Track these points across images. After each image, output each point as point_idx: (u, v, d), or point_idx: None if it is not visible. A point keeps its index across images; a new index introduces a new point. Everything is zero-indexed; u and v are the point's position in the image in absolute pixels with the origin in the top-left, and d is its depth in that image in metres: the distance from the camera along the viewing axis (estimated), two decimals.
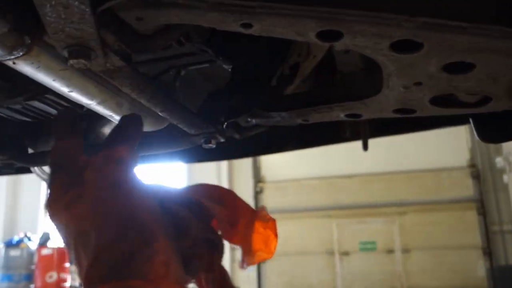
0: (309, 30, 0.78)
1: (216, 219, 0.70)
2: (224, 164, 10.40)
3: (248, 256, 0.69)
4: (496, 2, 0.76)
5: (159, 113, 1.12)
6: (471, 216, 9.14)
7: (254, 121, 1.33)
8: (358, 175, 9.96)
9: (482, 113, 1.55)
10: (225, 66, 1.37)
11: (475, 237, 9.07)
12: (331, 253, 9.73)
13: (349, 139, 2.22)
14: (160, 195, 0.63)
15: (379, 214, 9.64)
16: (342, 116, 1.19)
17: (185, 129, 1.24)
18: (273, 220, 0.71)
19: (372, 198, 9.72)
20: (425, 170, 9.51)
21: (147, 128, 1.24)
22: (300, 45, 1.28)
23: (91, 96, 1.01)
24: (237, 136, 1.42)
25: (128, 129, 0.66)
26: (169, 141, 1.36)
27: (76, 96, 0.98)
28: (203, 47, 1.21)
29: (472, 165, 9.37)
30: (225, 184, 10.43)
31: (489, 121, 1.48)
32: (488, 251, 8.91)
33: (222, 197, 0.69)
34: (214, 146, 1.37)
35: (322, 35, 0.79)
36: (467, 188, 9.29)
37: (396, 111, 1.10)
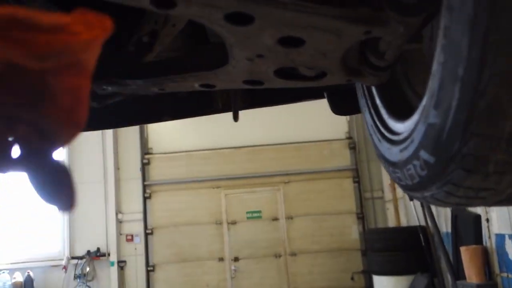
0: None
1: None
2: (109, 134, 9.98)
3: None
4: None
5: None
6: (348, 184, 9.90)
7: (110, 88, 1.29)
8: (246, 146, 10.20)
9: (335, 88, 1.68)
10: None
11: (351, 204, 9.86)
12: (219, 223, 9.92)
13: (221, 110, 2.25)
14: None
15: (266, 184, 10.02)
16: (196, 86, 1.21)
17: None
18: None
19: (259, 169, 10.05)
20: (308, 141, 10.04)
21: None
22: (155, 13, 1.26)
23: None
24: (94, 104, 1.37)
25: None
26: None
27: None
28: (48, 5, 1.14)
29: (350, 137, 10.10)
30: (110, 155, 10.05)
31: (339, 96, 1.60)
32: (361, 216, 9.75)
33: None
34: None
35: (157, 2, 0.78)
36: (345, 159, 10.01)
37: (246, 82, 1.14)
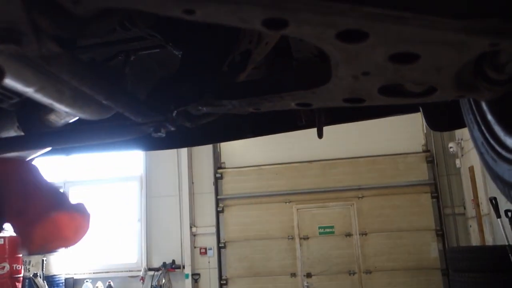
0: (253, 18, 0.76)
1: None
2: (184, 149, 10.29)
3: (26, 244, 0.66)
4: None
5: (103, 101, 1.07)
6: (426, 199, 9.45)
7: (205, 109, 1.30)
8: (318, 160, 10.08)
9: (431, 103, 1.59)
10: (176, 52, 1.33)
11: (429, 220, 9.40)
12: (291, 237, 9.84)
13: (305, 126, 2.23)
14: None
15: (338, 199, 9.82)
16: (293, 105, 1.18)
17: (132, 117, 1.20)
18: (84, 214, 0.69)
19: (331, 183, 9.88)
20: (382, 155, 9.74)
21: (91, 116, 1.19)
22: (250, 31, 1.26)
23: (27, 82, 0.95)
24: (188, 124, 1.39)
25: None
26: (117, 130, 1.31)
27: (10, 82, 0.92)
28: (151, 32, 1.17)
29: (427, 150, 9.66)
30: (185, 170, 10.34)
31: (437, 110, 1.51)
32: (441, 233, 9.25)
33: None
34: (164, 135, 1.33)
35: (268, 23, 0.77)
36: (422, 172, 9.58)
37: (346, 100, 1.10)
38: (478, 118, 1.17)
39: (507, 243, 6.61)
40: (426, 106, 1.56)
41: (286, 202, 10.03)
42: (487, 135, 1.10)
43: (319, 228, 9.82)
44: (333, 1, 0.72)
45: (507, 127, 1.04)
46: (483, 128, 1.14)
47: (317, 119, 2.08)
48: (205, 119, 1.40)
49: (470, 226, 8.93)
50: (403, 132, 9.44)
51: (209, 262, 10.08)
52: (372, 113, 1.90)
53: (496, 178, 1.03)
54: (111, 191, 10.66)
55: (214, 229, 10.15)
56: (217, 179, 10.34)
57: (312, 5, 0.72)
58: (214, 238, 10.12)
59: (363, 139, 9.65)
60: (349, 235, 9.65)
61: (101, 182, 10.68)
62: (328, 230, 9.78)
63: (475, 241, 8.52)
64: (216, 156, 10.49)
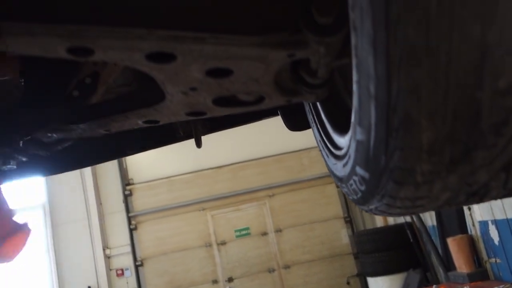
0: (56, 47, 0.76)
1: None
2: (88, 170, 9.86)
3: None
4: (237, 13, 0.82)
5: None
6: (331, 190, 9.93)
7: (55, 135, 1.27)
8: (228, 165, 10.18)
9: (287, 106, 1.69)
10: (19, 80, 1.28)
11: (337, 209, 9.89)
12: (209, 245, 9.83)
13: (184, 138, 2.25)
14: None
15: (251, 200, 9.99)
16: (140, 123, 1.20)
17: None
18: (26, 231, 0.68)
19: (243, 186, 10.03)
20: (288, 152, 10.07)
21: None
22: None
23: None
24: (42, 152, 1.35)
25: None
26: None
27: None
28: None
29: None
30: (91, 191, 9.92)
31: (291, 113, 1.61)
32: (349, 219, 9.78)
33: None
34: (15, 166, 1.28)
35: (73, 52, 0.78)
36: (324, 166, 10.05)
37: (188, 114, 1.14)
38: (315, 118, 1.27)
39: (404, 221, 7.17)
40: (283, 109, 1.66)
41: (200, 210, 10.00)
42: (321, 133, 1.20)
43: (235, 231, 9.92)
44: (131, 27, 0.75)
45: (335, 125, 1.14)
46: (319, 126, 1.24)
47: (194, 129, 2.10)
48: (60, 145, 1.37)
49: None
50: None
51: (127, 283, 9.75)
52: (241, 119, 1.97)
53: (330, 172, 1.12)
54: None
55: (129, 248, 9.83)
56: (127, 197, 10.03)
57: (109, 32, 0.74)
58: (130, 257, 9.81)
59: (268, 139, 9.90)
60: (265, 234, 9.86)
61: None
62: (244, 232, 9.90)
63: (379, 222, 9.10)
64: (123, 173, 10.18)
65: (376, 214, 0.93)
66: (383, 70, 0.59)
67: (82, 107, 1.23)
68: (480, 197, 0.81)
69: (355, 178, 0.85)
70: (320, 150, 1.25)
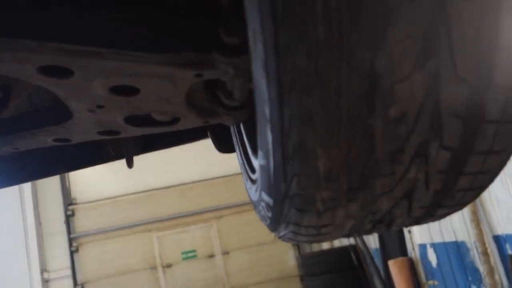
0: None
1: None
2: (27, 187, 9.38)
3: None
4: (138, 30, 0.78)
5: None
6: None
7: None
8: (175, 185, 10.00)
9: (216, 128, 1.65)
10: None
11: None
12: (154, 267, 9.54)
13: (114, 157, 2.17)
14: None
15: (198, 221, 9.83)
16: (49, 141, 1.13)
17: None
18: None
19: (190, 207, 9.86)
20: (236, 174, 10.01)
21: None
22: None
23: None
24: None
25: None
26: None
27: None
28: None
29: None
30: (30, 210, 9.43)
31: (220, 135, 1.58)
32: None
33: None
34: None
35: None
36: None
37: (101, 133, 1.08)
38: (238, 141, 1.24)
39: (348, 243, 7.25)
40: (213, 131, 1.62)
41: (145, 232, 9.72)
42: (243, 156, 1.17)
43: (182, 253, 9.70)
44: (22, 38, 0.69)
45: (254, 148, 1.11)
46: (241, 149, 1.21)
47: (125, 150, 2.03)
48: None
49: None
50: None
51: None
52: (172, 141, 1.91)
53: (248, 196, 1.09)
54: None
55: (69, 271, 9.37)
56: (69, 217, 9.61)
57: (2, 44, 0.68)
58: (70, 281, 9.35)
59: (217, 160, 9.81)
60: (211, 256, 9.69)
61: None
62: (190, 254, 9.70)
63: (325, 244, 9.17)
64: (66, 191, 9.77)
65: (287, 241, 0.90)
66: (275, 94, 0.57)
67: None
68: (387, 224, 0.80)
69: (263, 204, 0.82)
70: (243, 174, 1.21)
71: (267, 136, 0.64)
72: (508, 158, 0.71)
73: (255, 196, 0.93)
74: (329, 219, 0.71)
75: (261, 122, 0.65)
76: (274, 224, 0.82)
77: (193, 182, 10.02)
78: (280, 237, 0.90)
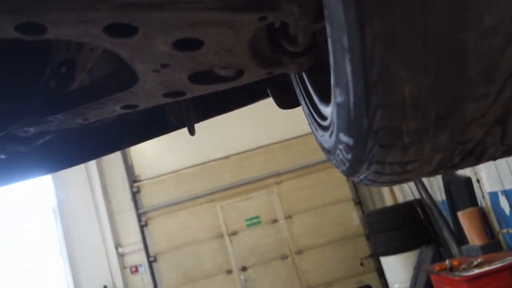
0: (4, 27, 0.70)
1: None
2: (94, 170, 9.86)
3: None
4: None
5: None
6: (339, 172, 9.81)
7: (32, 129, 1.22)
8: (234, 154, 10.13)
9: (276, 84, 1.62)
10: None
11: (346, 191, 9.82)
12: (220, 236, 9.82)
13: (177, 126, 2.20)
14: None
15: (259, 188, 9.95)
16: (118, 109, 1.14)
17: None
18: None
19: (250, 174, 9.98)
20: (293, 137, 9.98)
21: None
22: (65, 40, 1.19)
23: None
24: (22, 148, 1.30)
25: None
26: None
27: None
28: None
29: None
30: (99, 191, 9.92)
31: (280, 90, 1.55)
32: (358, 201, 9.71)
33: None
34: None
35: (22, 29, 0.72)
36: None
37: (166, 95, 1.08)
38: (303, 91, 1.20)
39: (413, 198, 7.09)
40: (273, 88, 1.59)
41: (209, 202, 9.98)
42: (309, 106, 1.13)
43: (246, 220, 9.89)
44: None
45: (321, 95, 1.07)
46: (306, 100, 1.17)
47: (186, 117, 2.05)
48: (41, 138, 1.32)
49: (382, 188, 9.45)
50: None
51: (142, 279, 9.79)
52: (232, 104, 1.91)
53: (320, 145, 1.06)
54: (21, 228, 9.93)
55: (141, 245, 9.85)
56: (135, 194, 10.03)
57: (59, 4, 0.68)
58: (143, 254, 9.84)
59: (273, 125, 9.82)
60: (275, 221, 9.82)
61: (8, 219, 9.91)
62: (254, 221, 9.88)
63: (388, 202, 9.04)
64: (129, 170, 10.17)
65: (367, 184, 0.87)
66: (354, 16, 0.53)
67: (62, 97, 1.17)
68: (477, 156, 0.75)
69: (340, 146, 0.79)
70: (309, 124, 1.18)
71: (346, 68, 0.60)
72: None
73: (329, 142, 0.90)
74: (416, 154, 0.67)
75: (338, 55, 0.62)
76: (354, 167, 0.79)
77: (251, 150, 10.10)
78: (359, 181, 0.86)
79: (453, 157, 0.72)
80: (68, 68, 1.25)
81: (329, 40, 0.64)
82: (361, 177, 0.81)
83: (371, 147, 0.68)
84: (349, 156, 0.77)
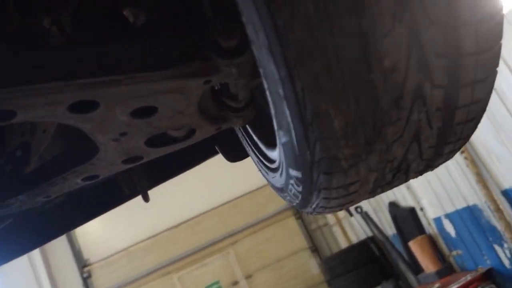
0: None
1: None
2: (38, 258, 9.32)
3: None
4: (146, 52, 0.87)
5: None
6: (292, 223, 9.98)
7: None
8: (185, 221, 10.01)
9: (222, 140, 1.74)
10: None
11: (301, 239, 9.91)
12: None
13: (130, 196, 2.23)
14: None
15: (215, 252, 9.82)
16: (79, 181, 1.20)
17: None
18: None
19: (205, 239, 9.85)
20: (241, 196, 10.07)
21: None
22: (19, 124, 1.25)
23: None
24: None
25: None
26: None
27: None
28: None
29: None
30: (45, 280, 9.35)
31: (227, 145, 1.67)
32: (315, 248, 9.81)
33: None
34: None
35: None
36: (280, 199, 10.11)
37: (125, 161, 1.16)
38: (249, 141, 1.33)
39: (366, 236, 7.30)
40: (219, 144, 1.71)
41: (165, 275, 9.68)
42: (257, 153, 1.26)
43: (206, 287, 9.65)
44: (47, 82, 0.78)
45: (266, 142, 1.20)
46: (254, 149, 1.29)
47: (138, 185, 2.10)
48: (3, 222, 1.34)
49: (335, 232, 9.64)
50: (250, 168, 9.92)
51: None
52: (182, 166, 1.99)
53: (272, 187, 1.17)
54: None
55: None
56: (86, 279, 9.55)
57: (29, 90, 0.77)
58: None
59: (220, 186, 9.87)
60: (236, 283, 9.65)
61: None
62: (215, 286, 9.65)
63: (343, 243, 9.20)
64: (77, 254, 9.72)
65: (319, 212, 0.98)
66: (284, 71, 0.66)
67: (21, 178, 1.22)
68: (405, 172, 0.89)
69: (291, 181, 0.91)
70: (260, 171, 1.30)
71: (285, 113, 0.73)
72: (492, 85, 0.81)
73: (281, 181, 1.01)
74: (355, 175, 0.80)
75: (276, 103, 0.74)
76: (305, 197, 0.90)
77: (200, 214, 10.04)
78: (311, 212, 0.98)
79: (385, 175, 0.86)
80: (23, 151, 1.31)
81: (267, 92, 0.78)
82: (313, 205, 0.93)
83: (317, 176, 0.80)
84: (300, 188, 0.89)
